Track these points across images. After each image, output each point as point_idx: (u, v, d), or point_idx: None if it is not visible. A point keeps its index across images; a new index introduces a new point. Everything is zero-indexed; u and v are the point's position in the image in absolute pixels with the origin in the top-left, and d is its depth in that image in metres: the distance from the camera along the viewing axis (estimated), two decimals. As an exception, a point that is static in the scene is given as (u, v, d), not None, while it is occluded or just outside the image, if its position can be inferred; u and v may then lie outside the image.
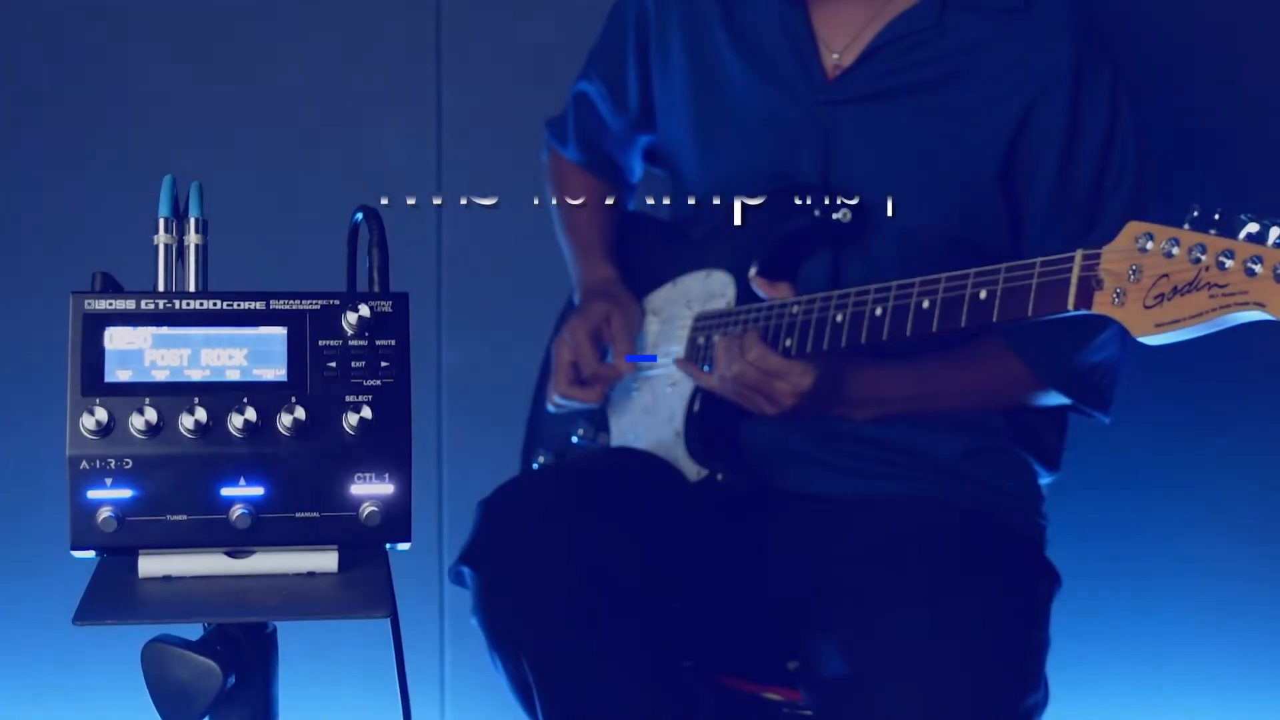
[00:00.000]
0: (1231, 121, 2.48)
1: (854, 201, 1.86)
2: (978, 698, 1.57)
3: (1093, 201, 1.84)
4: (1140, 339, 1.42)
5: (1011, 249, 1.88)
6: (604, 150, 2.22)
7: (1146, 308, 1.41)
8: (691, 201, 2.06)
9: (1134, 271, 1.42)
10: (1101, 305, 1.45)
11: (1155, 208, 1.74)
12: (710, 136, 2.02)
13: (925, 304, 1.64)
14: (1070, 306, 1.49)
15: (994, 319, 1.58)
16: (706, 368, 1.91)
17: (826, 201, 1.87)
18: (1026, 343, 1.83)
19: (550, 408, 2.09)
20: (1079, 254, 1.48)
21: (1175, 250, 1.39)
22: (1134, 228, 1.43)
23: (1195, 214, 1.40)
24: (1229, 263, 1.35)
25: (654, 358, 2.02)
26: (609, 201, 2.22)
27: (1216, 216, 1.38)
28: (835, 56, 1.92)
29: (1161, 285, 1.40)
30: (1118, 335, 1.79)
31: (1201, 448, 2.52)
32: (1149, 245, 1.41)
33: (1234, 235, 1.36)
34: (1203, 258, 1.37)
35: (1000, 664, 1.61)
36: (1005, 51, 1.85)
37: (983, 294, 1.59)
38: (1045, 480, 1.96)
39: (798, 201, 1.89)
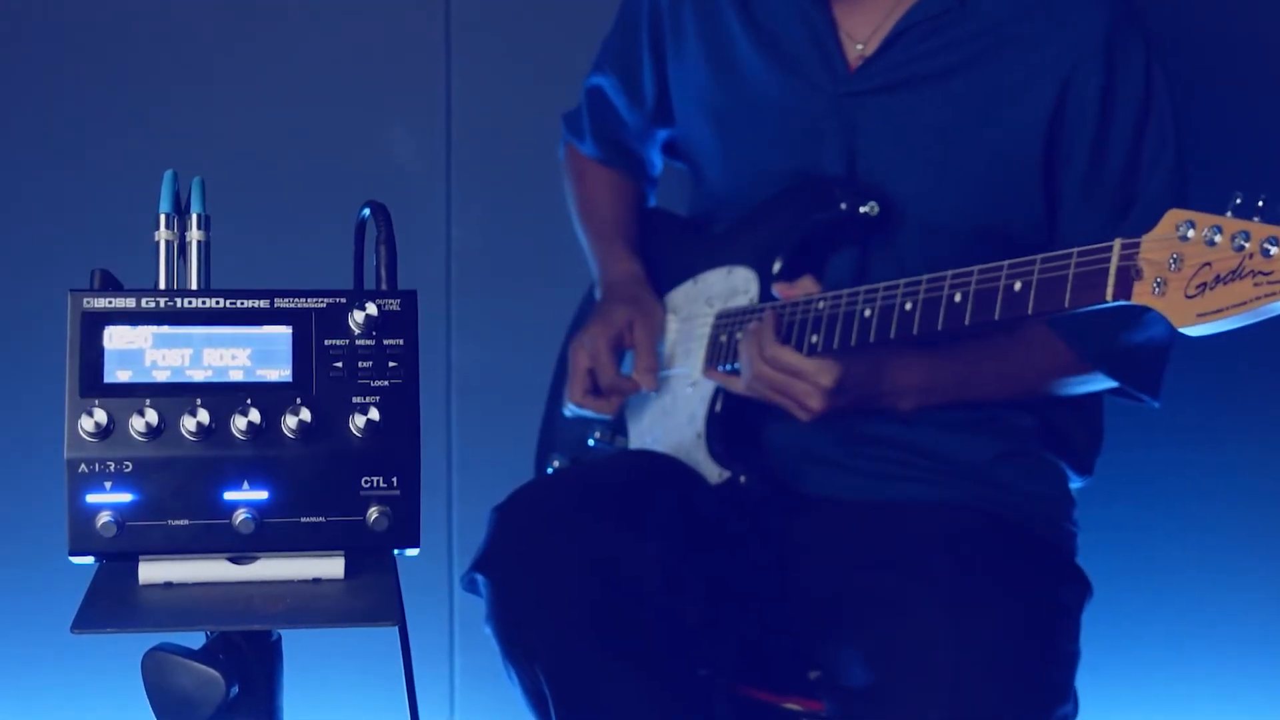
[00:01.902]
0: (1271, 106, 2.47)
1: (880, 199, 1.86)
2: (1005, 709, 1.57)
3: (1129, 180, 1.83)
4: (1182, 330, 1.41)
5: (1048, 239, 1.87)
6: (622, 143, 2.22)
7: (1188, 297, 1.40)
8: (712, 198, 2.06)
9: (1175, 260, 1.41)
10: (1141, 295, 1.45)
11: (1196, 192, 1.74)
12: (730, 131, 2.02)
13: (957, 297, 1.64)
14: (1109, 297, 1.48)
15: (1029, 311, 1.57)
16: (729, 367, 1.91)
17: (853, 195, 1.86)
18: (1068, 323, 1.81)
19: (565, 412, 2.09)
20: (1118, 243, 1.47)
21: (1218, 238, 1.38)
22: (1174, 215, 1.43)
23: (1238, 201, 1.39)
24: (1274, 250, 1.34)
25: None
26: (630, 194, 2.22)
27: (1260, 203, 1.37)
28: (859, 47, 1.92)
29: (1204, 274, 1.39)
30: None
31: (1243, 447, 2.51)
32: (1190, 233, 1.41)
33: (1279, 222, 1.36)
34: (1246, 245, 1.36)
35: (1028, 675, 1.60)
36: (1034, 27, 1.84)
37: (1017, 285, 1.58)
38: (1077, 484, 1.95)
39: (822, 195, 1.89)
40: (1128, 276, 1.46)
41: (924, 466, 1.88)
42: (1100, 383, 1.86)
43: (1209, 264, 1.39)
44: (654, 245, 2.16)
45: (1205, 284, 1.39)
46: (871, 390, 1.81)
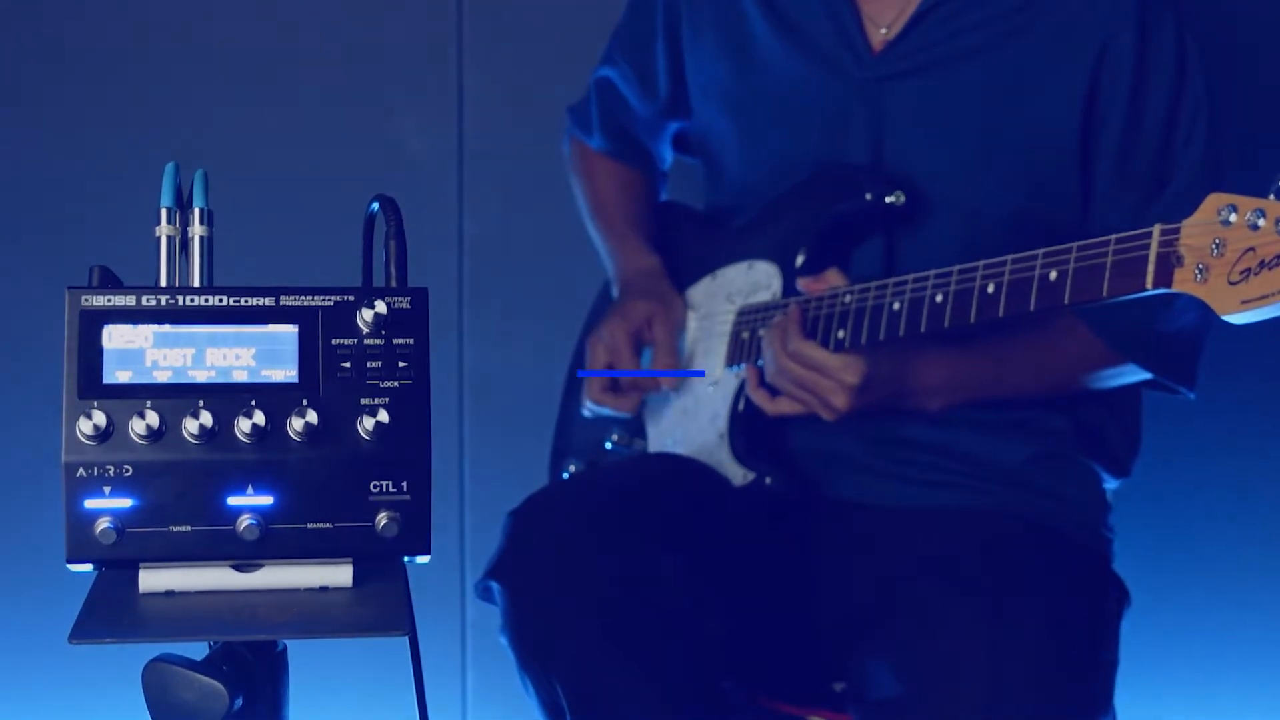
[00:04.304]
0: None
1: (908, 187, 1.85)
2: (1040, 723, 1.57)
3: (1164, 153, 1.82)
4: (1225, 318, 1.40)
5: (1085, 220, 1.86)
6: (631, 136, 2.22)
7: (1231, 284, 1.39)
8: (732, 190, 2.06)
9: (1217, 245, 1.41)
10: (1183, 283, 1.44)
11: (1232, 171, 1.73)
12: (750, 120, 2.01)
13: (990, 288, 1.63)
14: (1148, 285, 1.47)
15: (1065, 301, 1.56)
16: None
17: (878, 184, 1.85)
18: (1098, 314, 1.80)
19: (584, 412, 2.08)
20: (1157, 228, 1.46)
21: (1261, 222, 1.38)
22: (1216, 199, 1.42)
23: None
24: None
25: (701, 373, 2.00)
26: (641, 187, 2.22)
27: (1306, 186, 1.37)
28: (882, 30, 1.91)
29: (1247, 259, 1.38)
30: (1197, 301, 1.77)
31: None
32: (1232, 218, 1.40)
33: (1325, 205, 1.35)
34: (1291, 229, 1.36)
35: (1064, 686, 1.60)
36: (1063, 2, 1.83)
37: (1053, 275, 1.57)
38: (1113, 485, 1.94)
39: (847, 185, 1.88)
40: (1168, 263, 1.45)
41: (954, 470, 1.87)
42: (1133, 374, 1.85)
43: (1253, 249, 1.38)
44: (670, 240, 2.16)
45: (1249, 269, 1.38)
46: (898, 390, 1.81)
